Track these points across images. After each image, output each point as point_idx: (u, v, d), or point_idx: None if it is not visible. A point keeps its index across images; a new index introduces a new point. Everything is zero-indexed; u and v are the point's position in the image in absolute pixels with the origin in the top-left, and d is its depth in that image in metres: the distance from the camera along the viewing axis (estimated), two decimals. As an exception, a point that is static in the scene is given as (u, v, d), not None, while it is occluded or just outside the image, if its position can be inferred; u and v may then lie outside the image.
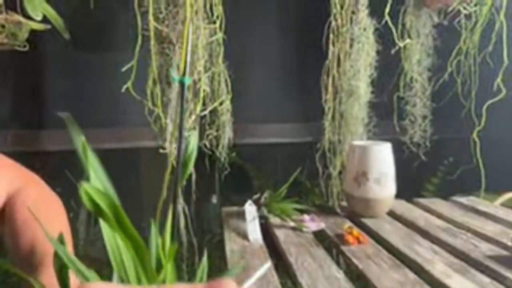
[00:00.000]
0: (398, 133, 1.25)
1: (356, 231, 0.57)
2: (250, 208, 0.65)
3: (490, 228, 0.61)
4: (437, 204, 0.74)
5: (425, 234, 0.60)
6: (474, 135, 1.12)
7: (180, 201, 1.15)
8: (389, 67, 1.21)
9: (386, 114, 1.23)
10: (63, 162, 1.64)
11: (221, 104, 1.16)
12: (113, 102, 1.54)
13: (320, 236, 0.60)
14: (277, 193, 0.66)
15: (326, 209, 0.74)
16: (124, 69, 1.04)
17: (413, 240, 0.57)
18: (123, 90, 1.04)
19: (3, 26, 1.00)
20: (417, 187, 1.38)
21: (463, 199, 0.77)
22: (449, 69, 1.20)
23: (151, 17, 1.01)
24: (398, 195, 1.01)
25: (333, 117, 1.14)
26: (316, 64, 1.18)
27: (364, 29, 1.09)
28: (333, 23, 1.10)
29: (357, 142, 0.68)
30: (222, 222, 0.67)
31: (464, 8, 1.13)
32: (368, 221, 0.65)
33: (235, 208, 0.71)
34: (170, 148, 1.07)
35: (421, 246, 0.55)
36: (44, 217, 0.37)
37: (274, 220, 0.64)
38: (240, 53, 1.49)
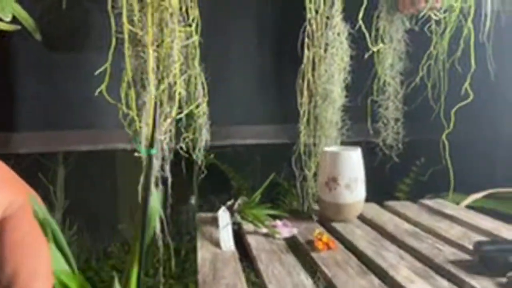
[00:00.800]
0: (371, 135, 1.28)
1: (326, 237, 0.59)
2: (223, 215, 0.66)
3: (454, 232, 0.63)
4: (406, 207, 0.77)
5: (392, 238, 0.62)
6: (444, 137, 1.15)
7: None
8: (362, 71, 1.23)
9: (360, 117, 1.26)
10: (36, 164, 1.60)
11: (197, 107, 1.16)
12: (89, 103, 1.52)
13: (292, 243, 0.62)
14: (251, 199, 0.67)
15: (300, 213, 0.75)
16: (97, 72, 1.02)
17: (381, 245, 0.59)
18: (96, 93, 1.03)
19: (-30, 29, 0.98)
20: (391, 188, 1.42)
21: (431, 202, 0.80)
22: (420, 73, 1.24)
23: (125, 20, 1.00)
24: (372, 197, 1.02)
25: (308, 121, 1.15)
26: (293, 67, 1.20)
27: (338, 34, 1.11)
28: (308, 28, 1.12)
29: (328, 148, 0.70)
30: (196, 229, 0.67)
31: (435, 15, 1.17)
32: (338, 226, 0.67)
33: (209, 214, 0.72)
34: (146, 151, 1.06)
35: (388, 251, 0.57)
36: (32, 247, 0.37)
37: (247, 226, 0.65)
38: (217, 55, 1.49)
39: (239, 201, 0.68)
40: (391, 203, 0.79)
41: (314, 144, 1.16)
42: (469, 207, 0.98)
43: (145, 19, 1.02)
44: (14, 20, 1.04)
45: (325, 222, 0.69)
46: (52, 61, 1.50)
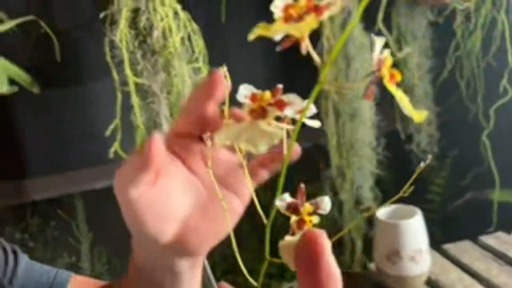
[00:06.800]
0: (404, 141, 1.20)
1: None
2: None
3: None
4: (469, 254, 0.71)
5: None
6: (484, 137, 1.08)
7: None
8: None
9: (391, 125, 1.18)
10: (52, 208, 1.56)
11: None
12: (96, 136, 1.45)
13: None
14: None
15: (352, 274, 0.69)
16: (108, 132, 0.95)
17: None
18: (111, 155, 0.96)
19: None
20: (426, 190, 1.35)
21: (492, 240, 0.74)
22: (449, 67, 1.14)
23: (128, 72, 0.92)
24: (410, 201, 0.95)
25: (337, 142, 1.08)
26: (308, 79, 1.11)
27: (360, 47, 1.01)
28: (326, 44, 1.02)
29: (382, 215, 0.63)
30: None
31: (461, 5, 1.06)
32: (406, 299, 0.61)
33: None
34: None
35: None
36: None
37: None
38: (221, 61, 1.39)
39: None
40: (450, 248, 0.73)
41: (348, 166, 1.09)
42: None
43: (150, 66, 0.94)
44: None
45: (388, 291, 0.63)
46: (47, 98, 1.42)
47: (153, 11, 0.93)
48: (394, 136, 1.17)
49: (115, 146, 0.94)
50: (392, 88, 0.14)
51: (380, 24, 1.04)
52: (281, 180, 0.18)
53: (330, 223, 1.16)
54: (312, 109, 0.18)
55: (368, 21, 1.04)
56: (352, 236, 1.08)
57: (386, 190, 1.15)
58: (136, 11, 0.93)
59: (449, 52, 1.13)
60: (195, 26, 0.99)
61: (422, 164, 0.20)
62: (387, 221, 0.61)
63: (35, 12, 1.01)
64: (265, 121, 0.15)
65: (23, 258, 0.32)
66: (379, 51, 0.14)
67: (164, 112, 0.97)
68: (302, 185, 0.18)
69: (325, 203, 0.16)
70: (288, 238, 0.16)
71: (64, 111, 1.41)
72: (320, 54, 1.04)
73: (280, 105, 0.15)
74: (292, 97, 0.15)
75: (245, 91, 0.15)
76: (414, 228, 0.61)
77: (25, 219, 1.51)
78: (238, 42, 1.46)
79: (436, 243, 0.79)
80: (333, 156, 1.08)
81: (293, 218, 0.16)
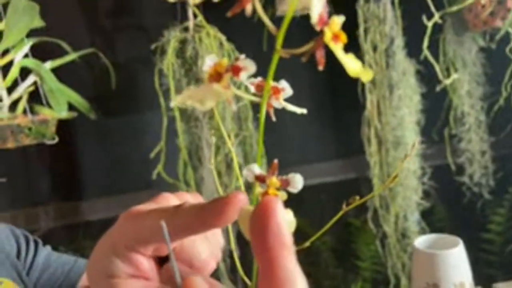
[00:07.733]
0: (454, 173, 1.12)
1: None
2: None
3: None
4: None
5: None
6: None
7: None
8: (433, 102, 1.09)
9: (439, 156, 1.11)
10: (105, 230, 1.63)
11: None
12: (147, 161, 1.52)
13: None
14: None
15: None
16: (153, 154, 1.00)
17: None
18: (154, 176, 1.00)
19: (29, 129, 0.98)
20: (482, 228, 1.23)
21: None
22: (504, 95, 1.07)
23: (173, 98, 0.96)
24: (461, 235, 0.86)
25: (380, 171, 1.04)
26: (353, 108, 1.10)
27: (404, 73, 0.98)
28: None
29: (420, 245, 0.59)
30: None
31: (515, 30, 1.00)
32: None
33: None
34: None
35: None
36: None
37: None
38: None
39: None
40: (501, 287, 0.66)
41: (391, 196, 1.04)
42: None
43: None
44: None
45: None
46: (106, 125, 1.53)
47: (199, 41, 0.99)
48: (443, 166, 1.11)
49: (158, 168, 0.98)
50: (334, 47, 0.14)
51: (426, 51, 1.01)
52: (259, 153, 0.19)
53: (373, 257, 1.10)
54: (288, 91, 0.18)
55: (414, 47, 1.02)
56: (396, 272, 1.01)
57: (434, 224, 1.08)
58: (183, 42, 1.00)
59: (504, 78, 1.07)
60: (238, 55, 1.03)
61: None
62: (425, 251, 0.57)
63: (97, 45, 1.12)
64: (220, 85, 0.15)
65: (44, 250, 0.34)
66: (320, 9, 0.14)
67: (205, 136, 1.00)
68: (276, 161, 0.18)
69: (297, 181, 0.16)
70: (246, 207, 0.15)
71: (118, 137, 1.51)
72: (362, 83, 1.04)
73: (236, 70, 0.15)
74: (247, 62, 0.15)
75: (209, 61, 0.16)
76: (455, 260, 0.56)
77: (78, 239, 1.59)
78: (280, 70, 1.48)
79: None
80: (376, 186, 1.04)
81: (258, 190, 0.16)
